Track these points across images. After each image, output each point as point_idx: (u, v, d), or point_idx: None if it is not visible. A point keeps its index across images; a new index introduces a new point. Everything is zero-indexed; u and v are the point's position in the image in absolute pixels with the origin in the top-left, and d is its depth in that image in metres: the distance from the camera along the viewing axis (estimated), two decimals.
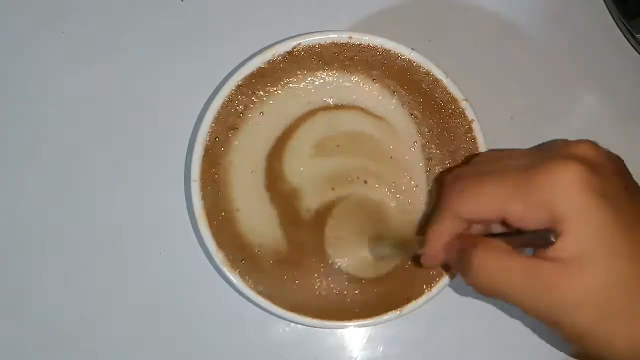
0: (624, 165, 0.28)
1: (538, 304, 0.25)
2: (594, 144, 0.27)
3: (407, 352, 0.39)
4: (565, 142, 0.27)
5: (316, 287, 0.35)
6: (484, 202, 0.26)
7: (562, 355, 0.39)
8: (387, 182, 0.36)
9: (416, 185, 0.36)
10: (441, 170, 0.36)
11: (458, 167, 0.35)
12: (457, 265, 0.28)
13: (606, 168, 0.26)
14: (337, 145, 0.36)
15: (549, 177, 0.25)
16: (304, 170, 0.36)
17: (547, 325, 0.26)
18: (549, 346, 0.39)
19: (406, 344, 0.39)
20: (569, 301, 0.25)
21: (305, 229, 0.36)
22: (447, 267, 0.35)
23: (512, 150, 0.29)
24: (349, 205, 0.36)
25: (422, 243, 0.30)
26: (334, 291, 0.36)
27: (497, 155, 0.29)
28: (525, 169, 0.26)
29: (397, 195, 0.36)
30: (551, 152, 0.27)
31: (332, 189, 0.36)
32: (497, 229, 0.29)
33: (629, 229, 0.25)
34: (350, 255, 0.36)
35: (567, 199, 0.24)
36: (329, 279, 0.36)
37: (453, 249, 0.28)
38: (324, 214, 0.36)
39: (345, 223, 0.36)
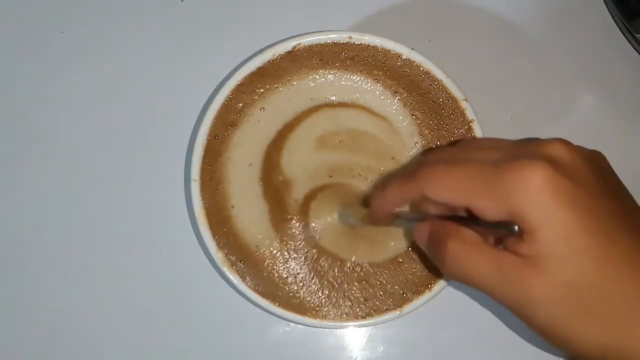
0: (605, 164, 0.28)
1: (506, 296, 0.26)
2: (567, 144, 0.27)
3: (407, 352, 0.39)
4: (539, 142, 0.27)
5: (312, 283, 0.36)
6: (449, 190, 0.27)
7: (561, 355, 0.39)
8: None
9: None
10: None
11: (442, 148, 0.36)
12: (429, 252, 0.29)
13: (578, 169, 0.26)
14: (341, 141, 0.36)
15: (515, 178, 0.25)
16: (304, 162, 0.36)
17: (516, 315, 0.27)
18: (549, 346, 0.39)
19: (406, 344, 0.39)
20: (533, 296, 0.25)
21: (293, 220, 0.36)
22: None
23: (496, 140, 0.30)
24: (338, 189, 0.36)
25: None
26: (330, 287, 0.36)
27: (478, 144, 0.30)
28: (495, 165, 0.26)
29: None
30: (524, 150, 0.27)
31: (330, 176, 0.36)
32: (462, 212, 0.29)
33: (599, 230, 0.25)
34: (328, 227, 0.36)
35: (531, 200, 0.25)
36: (320, 265, 0.36)
37: (425, 234, 0.29)
38: (310, 196, 0.36)
39: (328, 204, 0.36)
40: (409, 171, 0.29)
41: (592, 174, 0.26)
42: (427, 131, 0.37)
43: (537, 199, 0.25)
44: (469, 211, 0.27)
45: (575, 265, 0.25)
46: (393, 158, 0.36)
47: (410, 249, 0.36)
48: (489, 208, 0.26)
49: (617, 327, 0.25)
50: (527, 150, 0.27)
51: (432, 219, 0.29)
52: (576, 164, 0.26)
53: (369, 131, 0.36)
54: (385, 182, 0.31)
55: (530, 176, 0.25)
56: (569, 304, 0.25)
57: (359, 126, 0.36)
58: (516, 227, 0.25)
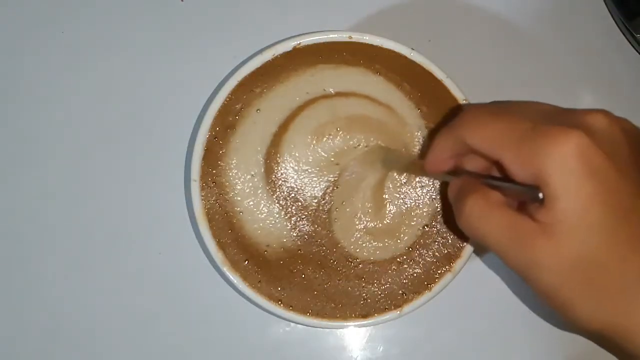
0: None
1: (514, 257, 0.26)
2: (609, 116, 0.27)
3: (407, 352, 0.39)
4: (581, 112, 0.27)
5: (322, 283, 0.36)
6: (484, 139, 0.27)
7: (562, 355, 0.39)
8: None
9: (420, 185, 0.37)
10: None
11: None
12: (454, 205, 0.30)
13: (614, 142, 0.26)
14: (338, 129, 0.36)
15: (547, 142, 0.25)
16: (304, 160, 0.36)
17: (522, 278, 0.27)
18: (548, 346, 0.39)
19: (406, 344, 0.39)
20: (540, 262, 0.26)
21: (312, 219, 0.36)
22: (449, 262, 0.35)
23: (542, 104, 0.29)
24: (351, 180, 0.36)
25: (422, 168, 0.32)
26: (339, 286, 0.36)
27: (524, 105, 0.30)
28: (533, 125, 0.26)
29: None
30: (564, 117, 0.27)
31: (337, 164, 0.36)
32: (497, 172, 0.30)
33: (618, 208, 0.25)
34: (353, 220, 0.36)
35: (558, 168, 0.25)
36: (335, 265, 0.36)
37: (456, 188, 0.30)
38: (327, 193, 0.36)
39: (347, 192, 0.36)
40: (455, 120, 0.29)
41: (627, 148, 0.26)
42: (432, 125, 0.36)
43: (564, 167, 0.25)
44: (502, 169, 0.27)
45: (586, 239, 0.25)
46: (404, 148, 0.36)
47: (410, 249, 0.36)
48: (515, 165, 0.26)
49: (618, 304, 0.25)
50: (567, 117, 0.27)
51: (466, 176, 0.30)
52: (613, 136, 0.26)
53: (372, 116, 0.36)
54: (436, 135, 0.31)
55: (563, 144, 0.25)
56: (573, 275, 0.25)
57: (361, 111, 0.36)
58: (540, 194, 0.25)
